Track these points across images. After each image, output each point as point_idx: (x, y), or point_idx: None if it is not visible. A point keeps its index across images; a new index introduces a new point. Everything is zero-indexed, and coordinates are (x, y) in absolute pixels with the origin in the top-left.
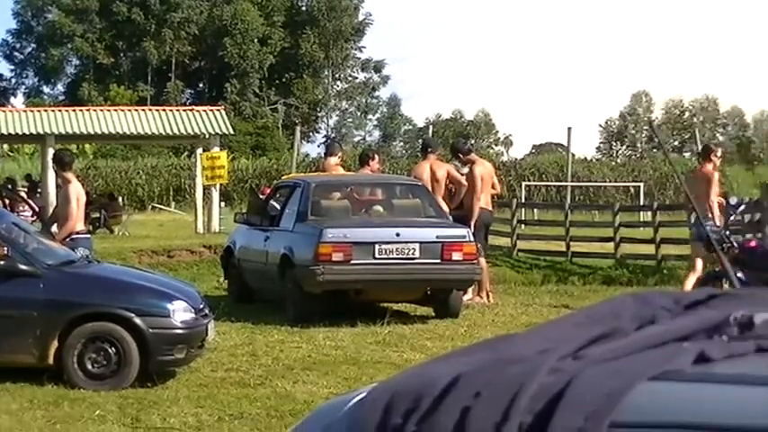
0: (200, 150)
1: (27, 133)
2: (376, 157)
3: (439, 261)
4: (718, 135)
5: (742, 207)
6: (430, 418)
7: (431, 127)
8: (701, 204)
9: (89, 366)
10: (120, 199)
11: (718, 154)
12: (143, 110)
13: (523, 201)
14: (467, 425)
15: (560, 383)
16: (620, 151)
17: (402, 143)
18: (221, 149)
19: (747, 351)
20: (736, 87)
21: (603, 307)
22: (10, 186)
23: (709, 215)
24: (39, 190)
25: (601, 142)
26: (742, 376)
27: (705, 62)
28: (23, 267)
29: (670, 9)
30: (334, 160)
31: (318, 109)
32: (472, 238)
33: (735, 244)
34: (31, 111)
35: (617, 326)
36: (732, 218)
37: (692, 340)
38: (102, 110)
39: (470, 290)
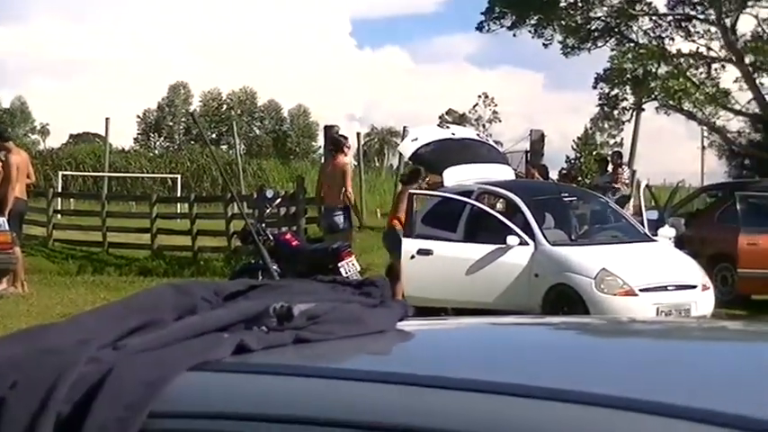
0: None
1: None
2: None
3: None
4: (255, 128)
5: (278, 200)
6: None
7: None
8: (335, 195)
9: None
10: None
11: (349, 145)
12: None
13: (60, 191)
14: (2, 417)
15: (99, 373)
16: (157, 143)
17: None
18: None
19: (286, 341)
20: (273, 81)
21: (143, 297)
22: None
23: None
24: None
25: (139, 133)
26: (280, 366)
27: (243, 55)
28: None
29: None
30: None
31: None
32: (7, 227)
33: (271, 236)
34: None
35: (156, 316)
36: (268, 210)
37: (232, 331)
38: None
39: (4, 280)
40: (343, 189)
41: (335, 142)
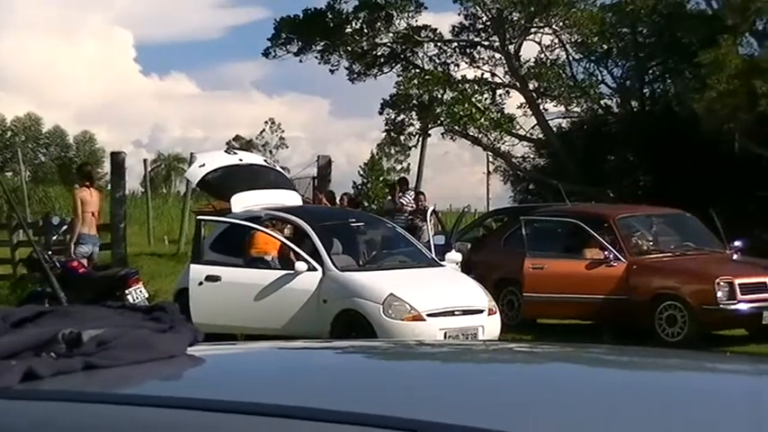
0: None
1: None
2: None
3: None
4: (40, 155)
5: (64, 227)
6: None
7: None
8: (94, 224)
9: None
10: None
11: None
12: None
13: None
14: None
15: None
16: None
17: None
18: None
19: (75, 368)
20: (58, 108)
21: None
22: None
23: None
24: None
25: None
26: (69, 393)
27: (27, 81)
28: None
29: None
30: None
31: None
32: None
33: (58, 263)
34: None
35: None
36: (55, 237)
37: (20, 357)
38: None
39: None
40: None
41: (90, 174)
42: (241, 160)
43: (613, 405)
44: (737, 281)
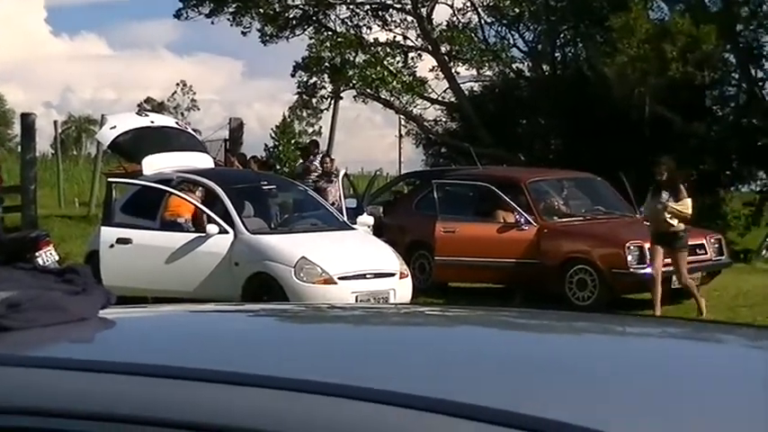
0: None
1: None
2: None
3: None
4: None
5: None
6: None
7: None
8: None
9: None
10: None
11: None
12: None
13: None
14: None
15: None
16: None
17: None
18: None
19: None
20: None
21: None
22: None
23: None
24: None
25: None
26: None
27: None
28: None
29: None
30: None
31: None
32: None
33: None
34: None
35: None
36: None
37: None
38: None
39: None
40: None
41: None
42: (152, 122)
43: (524, 367)
44: (647, 245)
